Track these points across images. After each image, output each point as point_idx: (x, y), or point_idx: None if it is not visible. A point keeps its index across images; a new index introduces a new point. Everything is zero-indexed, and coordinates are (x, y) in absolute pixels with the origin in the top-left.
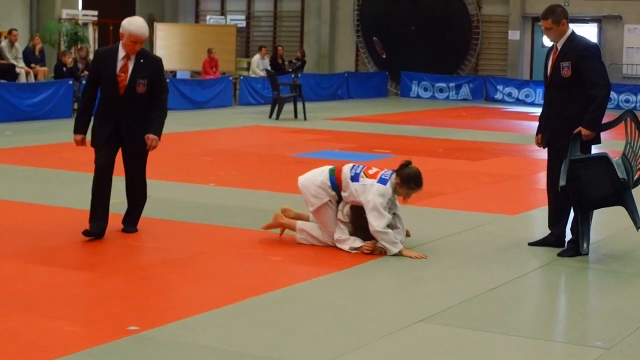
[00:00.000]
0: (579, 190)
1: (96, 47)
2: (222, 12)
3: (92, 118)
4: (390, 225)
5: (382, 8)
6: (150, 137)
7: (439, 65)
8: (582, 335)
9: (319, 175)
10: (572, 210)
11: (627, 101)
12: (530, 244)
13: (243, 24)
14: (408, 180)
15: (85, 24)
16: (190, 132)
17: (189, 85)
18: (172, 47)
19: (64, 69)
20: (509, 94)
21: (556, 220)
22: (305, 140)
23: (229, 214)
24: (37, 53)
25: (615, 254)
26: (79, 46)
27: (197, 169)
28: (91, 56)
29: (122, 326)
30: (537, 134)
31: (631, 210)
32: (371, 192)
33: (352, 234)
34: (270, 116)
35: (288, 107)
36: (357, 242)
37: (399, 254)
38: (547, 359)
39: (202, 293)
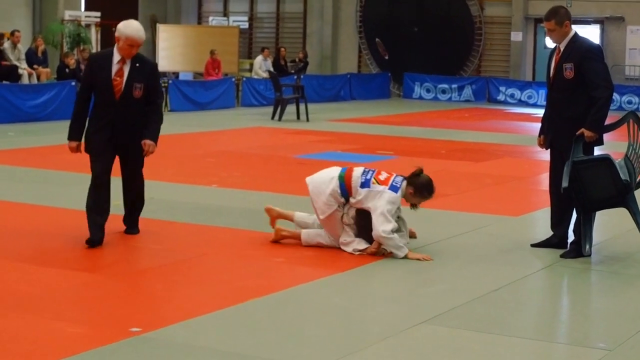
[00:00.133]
0: (581, 191)
1: (99, 49)
2: (225, 14)
3: (87, 124)
4: (395, 230)
5: (384, 9)
6: (147, 142)
7: (442, 67)
8: (585, 337)
9: (330, 182)
10: (574, 212)
11: (629, 102)
12: (533, 246)
13: (245, 25)
14: (422, 190)
15: (88, 25)
16: (192, 134)
17: (192, 87)
18: (174, 48)
19: (67, 70)
20: (512, 95)
21: (559, 221)
22: (307, 141)
23: (231, 216)
24: (39, 54)
25: (618, 255)
26: (81, 47)
27: (199, 170)
28: None
29: (125, 327)
30: (539, 135)
31: (634, 212)
32: (382, 198)
33: (356, 235)
34: (272, 117)
35: (290, 109)
36: (361, 244)
37: (405, 257)
38: None
39: (205, 294)
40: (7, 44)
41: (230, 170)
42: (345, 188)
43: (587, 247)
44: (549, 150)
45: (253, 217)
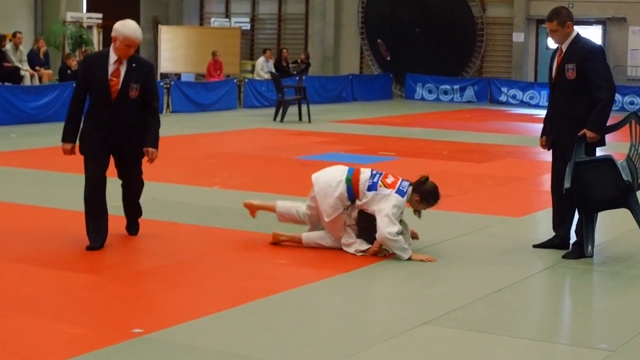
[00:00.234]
0: (583, 192)
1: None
2: (227, 15)
3: (82, 125)
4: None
5: (386, 10)
6: (150, 150)
7: (444, 68)
8: (587, 338)
9: (337, 186)
10: (576, 213)
11: (631, 103)
12: (535, 246)
13: (247, 26)
14: (428, 197)
15: (90, 27)
16: (194, 135)
17: (194, 88)
18: (176, 49)
19: (69, 71)
20: (514, 96)
21: (561, 222)
22: (309, 142)
23: (233, 217)
24: (41, 56)
25: (620, 256)
26: (83, 49)
27: (201, 171)
28: None
29: (127, 328)
30: (541, 136)
31: (636, 212)
32: (388, 201)
33: (357, 236)
34: (274, 119)
35: (292, 110)
36: (363, 245)
37: (408, 259)
38: None
39: (207, 296)
40: (8, 46)
41: (232, 172)
42: (352, 191)
43: (589, 247)
44: (551, 151)
45: (255, 219)
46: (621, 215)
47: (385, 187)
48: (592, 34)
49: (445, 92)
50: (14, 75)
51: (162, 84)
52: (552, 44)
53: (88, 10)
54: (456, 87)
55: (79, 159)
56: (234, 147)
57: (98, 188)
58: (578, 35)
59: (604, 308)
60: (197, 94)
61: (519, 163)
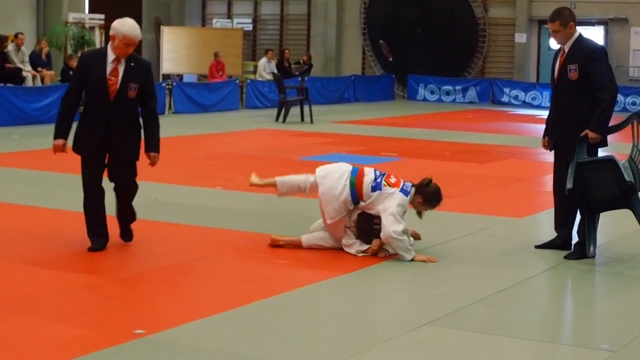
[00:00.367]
0: (585, 193)
1: None
2: (229, 16)
3: (77, 124)
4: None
5: (388, 11)
6: (152, 154)
7: (446, 68)
8: (589, 338)
9: (342, 190)
10: (578, 213)
11: (633, 104)
12: (537, 247)
13: (250, 27)
14: (432, 199)
15: (92, 28)
16: (196, 136)
17: (196, 89)
18: (178, 50)
19: (71, 72)
20: (516, 97)
21: (563, 222)
22: (312, 143)
23: (235, 218)
24: (43, 57)
25: (622, 256)
26: (85, 50)
27: (203, 172)
28: None
29: (128, 329)
30: (544, 137)
31: (638, 213)
32: (393, 199)
33: (356, 237)
34: (276, 119)
35: (295, 111)
36: (363, 246)
37: (411, 260)
38: None
39: (209, 296)
40: (10, 47)
41: (234, 173)
42: (356, 194)
43: (591, 248)
44: (553, 151)
45: (257, 220)
46: (623, 216)
47: (390, 186)
48: (594, 34)
49: (448, 93)
50: (16, 76)
51: (164, 84)
52: (554, 44)
53: (90, 11)
54: (458, 87)
55: (77, 159)
56: (236, 148)
57: (96, 192)
58: (580, 35)
59: (605, 309)
60: (199, 95)
61: (521, 164)
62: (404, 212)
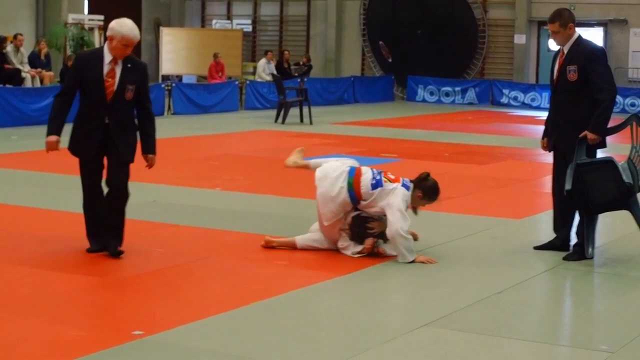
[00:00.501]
0: (584, 194)
1: None
2: (228, 17)
3: (72, 126)
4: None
5: (388, 12)
6: (150, 156)
7: (445, 69)
8: (588, 339)
9: (339, 192)
10: (577, 214)
11: (632, 105)
12: (536, 248)
13: (249, 28)
14: (431, 193)
15: (91, 29)
16: (196, 137)
17: (195, 90)
18: (178, 51)
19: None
20: (515, 98)
21: (562, 224)
22: (311, 144)
23: (234, 219)
24: (42, 57)
25: (621, 257)
26: (83, 50)
27: (203, 173)
28: None
29: (127, 331)
30: (543, 138)
31: (636, 214)
32: (396, 195)
33: (350, 238)
34: (276, 120)
35: (294, 112)
36: (358, 247)
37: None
38: None
39: (207, 297)
40: (9, 48)
41: (234, 174)
42: (355, 195)
43: (590, 249)
44: (552, 152)
45: (256, 220)
46: (622, 217)
47: (390, 182)
48: (594, 35)
49: (447, 94)
50: (15, 77)
51: (163, 85)
52: (553, 45)
53: (89, 12)
54: (458, 89)
55: (75, 160)
56: (235, 149)
57: (96, 195)
58: (580, 37)
59: (604, 310)
60: (198, 96)
61: (520, 165)
62: (407, 207)
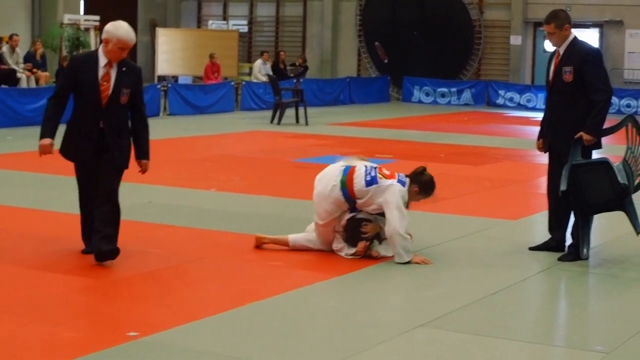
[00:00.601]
0: (579, 195)
1: None
2: (224, 17)
3: (65, 130)
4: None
5: (384, 13)
6: (144, 162)
7: (441, 70)
8: (583, 340)
9: (332, 190)
10: (572, 215)
11: (628, 106)
12: (531, 249)
13: (245, 29)
14: (427, 188)
15: (87, 29)
16: (191, 137)
17: (191, 90)
18: (174, 52)
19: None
20: (511, 99)
21: (557, 224)
22: (306, 145)
23: (230, 219)
24: (38, 58)
25: (616, 258)
26: (80, 51)
27: (198, 174)
28: None
29: (122, 332)
30: (538, 139)
31: (631, 215)
32: (392, 191)
33: (344, 240)
34: (271, 121)
35: (290, 112)
36: (351, 249)
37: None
38: None
39: (203, 298)
40: (5, 48)
41: (229, 174)
42: (348, 193)
43: (585, 250)
44: (547, 153)
45: (252, 221)
46: (617, 218)
47: (385, 178)
48: (590, 36)
49: (443, 95)
50: (11, 77)
51: (159, 86)
52: (549, 46)
53: (85, 13)
54: (453, 89)
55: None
56: (231, 150)
57: (92, 199)
58: (575, 38)
59: (599, 310)
60: (194, 97)
61: (516, 166)
62: (404, 203)
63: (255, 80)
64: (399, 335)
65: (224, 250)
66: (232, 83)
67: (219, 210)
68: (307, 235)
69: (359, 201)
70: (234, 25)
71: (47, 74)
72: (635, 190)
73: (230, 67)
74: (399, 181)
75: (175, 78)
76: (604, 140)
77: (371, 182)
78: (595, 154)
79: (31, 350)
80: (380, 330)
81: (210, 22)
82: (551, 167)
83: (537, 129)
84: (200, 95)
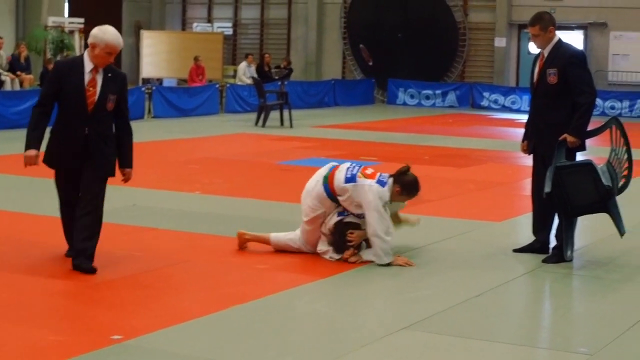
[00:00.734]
0: (563, 197)
1: None
2: (209, 20)
3: (49, 137)
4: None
5: (369, 15)
6: (127, 170)
7: (426, 73)
8: (566, 341)
9: (315, 186)
10: (556, 217)
11: (612, 108)
12: (515, 251)
13: (230, 31)
14: (410, 188)
15: (72, 32)
16: (176, 140)
17: (176, 93)
18: (158, 54)
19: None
20: (495, 101)
21: (541, 226)
22: (291, 147)
23: (214, 222)
24: (22, 61)
25: (600, 260)
26: (64, 54)
27: (182, 176)
28: None
29: (106, 335)
30: (523, 141)
31: (615, 217)
32: (371, 192)
33: (330, 244)
34: (256, 124)
35: (274, 115)
36: (335, 255)
37: (388, 263)
38: None
39: (187, 301)
40: None
41: (214, 177)
42: (329, 189)
43: (569, 252)
44: (532, 155)
45: (236, 224)
46: (601, 220)
47: (365, 177)
48: (574, 39)
49: (427, 97)
50: None
51: (143, 89)
52: (533, 48)
53: (70, 15)
54: (438, 92)
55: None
56: (215, 153)
57: (72, 205)
58: (560, 40)
59: (583, 312)
60: (179, 99)
61: (501, 168)
62: (385, 204)
63: (239, 83)
64: (382, 338)
65: (208, 253)
66: (217, 86)
67: (203, 213)
68: (289, 234)
69: (340, 198)
70: (218, 27)
71: (31, 76)
72: (619, 192)
73: (214, 69)
74: (379, 181)
75: (160, 81)
76: (588, 142)
77: (350, 179)
78: (580, 156)
79: (15, 353)
80: (364, 332)
81: (194, 24)
82: (535, 169)
83: (522, 131)
84: (185, 98)
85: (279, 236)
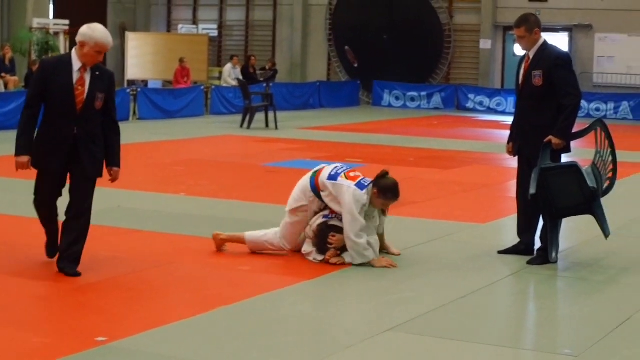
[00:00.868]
0: (548, 198)
1: None
2: (194, 22)
3: (36, 138)
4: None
5: (354, 17)
6: (115, 170)
7: (411, 74)
8: (551, 343)
9: (304, 179)
10: (541, 219)
11: (597, 110)
12: (500, 252)
13: (215, 33)
14: (386, 191)
15: (57, 33)
16: (161, 142)
17: (161, 95)
18: (144, 56)
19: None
20: (481, 103)
21: (526, 228)
22: (276, 149)
23: (199, 224)
24: (7, 62)
25: (584, 261)
26: (49, 55)
27: (167, 178)
28: None
29: (90, 337)
30: (508, 143)
31: (600, 219)
32: (348, 194)
33: (313, 245)
34: (241, 125)
35: (259, 117)
36: (319, 256)
37: (369, 264)
38: None
39: (171, 303)
40: None
41: (199, 179)
42: (314, 183)
43: (554, 254)
44: (517, 157)
45: (221, 226)
46: (586, 222)
47: (347, 179)
48: (559, 41)
49: (413, 99)
50: None
51: (128, 90)
52: (519, 50)
53: (55, 17)
54: (423, 93)
55: None
56: (200, 154)
57: (53, 215)
58: (545, 42)
59: (568, 313)
60: (164, 101)
61: (486, 170)
62: (362, 205)
63: (225, 85)
64: (366, 340)
65: (192, 255)
66: (202, 87)
67: (188, 215)
68: (265, 234)
69: (322, 194)
70: (203, 29)
71: (16, 78)
72: (604, 194)
73: (200, 71)
74: (359, 184)
75: (145, 82)
76: (573, 144)
77: (332, 177)
78: (565, 158)
79: (0, 355)
80: (349, 334)
81: (180, 26)
82: (520, 171)
83: (507, 132)
84: (170, 100)
85: (254, 235)
